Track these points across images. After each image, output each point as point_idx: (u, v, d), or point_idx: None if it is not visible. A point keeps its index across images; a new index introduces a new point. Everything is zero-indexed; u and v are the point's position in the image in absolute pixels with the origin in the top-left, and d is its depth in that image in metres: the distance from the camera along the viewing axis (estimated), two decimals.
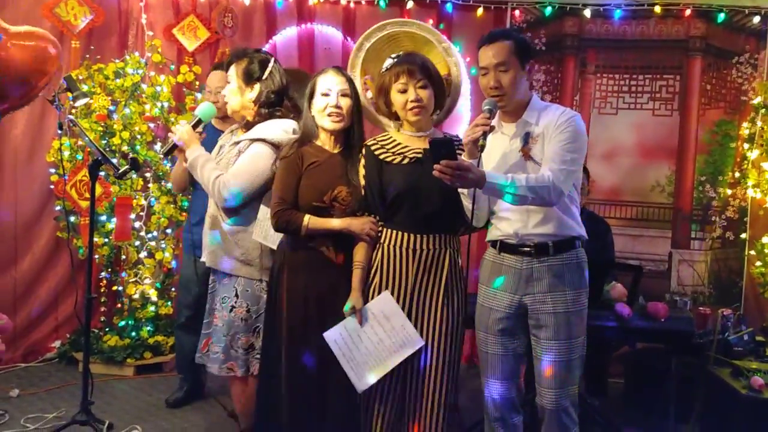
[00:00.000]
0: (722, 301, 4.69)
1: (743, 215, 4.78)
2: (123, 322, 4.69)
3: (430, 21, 4.69)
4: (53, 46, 3.47)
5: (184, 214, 4.62)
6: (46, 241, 4.84)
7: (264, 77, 3.03)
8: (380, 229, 2.81)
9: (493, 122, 2.63)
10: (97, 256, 4.60)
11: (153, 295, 4.68)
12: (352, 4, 5.02)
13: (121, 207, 4.44)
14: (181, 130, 3.05)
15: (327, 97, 2.82)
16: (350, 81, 2.89)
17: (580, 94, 4.97)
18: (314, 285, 2.81)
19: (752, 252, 4.65)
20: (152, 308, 4.71)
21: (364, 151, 2.85)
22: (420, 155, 2.75)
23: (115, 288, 4.74)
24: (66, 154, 4.50)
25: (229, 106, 3.10)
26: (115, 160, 3.97)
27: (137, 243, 4.67)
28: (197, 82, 4.81)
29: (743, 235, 4.76)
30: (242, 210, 2.98)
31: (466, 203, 2.66)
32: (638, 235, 4.91)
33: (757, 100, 4.66)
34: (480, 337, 2.81)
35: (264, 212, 2.96)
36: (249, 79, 3.03)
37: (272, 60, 3.08)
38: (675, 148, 4.87)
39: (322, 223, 2.78)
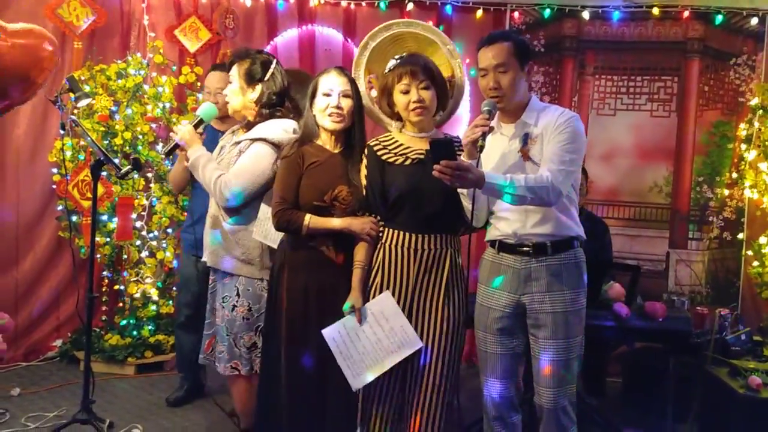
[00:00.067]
0: (719, 301, 4.70)
1: (740, 216, 4.80)
2: (124, 321, 4.70)
3: (430, 22, 4.69)
4: (50, 44, 3.48)
5: (185, 213, 4.63)
6: (48, 240, 4.86)
7: (266, 78, 3.05)
8: (382, 229, 2.83)
9: (493, 123, 2.65)
10: (98, 256, 4.62)
11: (154, 294, 4.70)
12: (352, 6, 5.04)
13: (122, 207, 4.45)
14: (183, 130, 3.07)
15: (328, 98, 2.83)
16: (352, 81, 2.90)
17: (579, 96, 4.99)
18: (314, 284, 2.82)
19: (749, 252, 4.67)
20: (153, 307, 4.73)
21: (366, 151, 2.87)
22: (422, 156, 2.77)
23: (116, 287, 4.75)
24: (68, 154, 4.52)
25: (231, 106, 3.12)
26: (116, 161, 3.98)
27: (138, 242, 4.68)
28: (199, 83, 4.82)
29: (740, 236, 4.77)
30: (243, 209, 3.00)
31: (466, 203, 2.68)
32: (636, 236, 4.93)
33: (754, 101, 4.68)
34: (479, 336, 2.83)
35: (264, 211, 2.98)
36: (251, 79, 3.05)
37: (274, 61, 3.11)
38: (673, 149, 4.89)
39: (322, 223, 2.80)
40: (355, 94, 2.88)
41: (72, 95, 3.66)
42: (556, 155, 2.60)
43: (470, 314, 2.88)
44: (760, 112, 4.61)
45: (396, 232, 2.80)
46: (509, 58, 2.65)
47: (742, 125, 4.75)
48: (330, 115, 2.84)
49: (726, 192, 4.80)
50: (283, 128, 3.01)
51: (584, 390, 3.83)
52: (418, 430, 2.77)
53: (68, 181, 4.50)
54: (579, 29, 4.95)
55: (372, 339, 2.76)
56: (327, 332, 2.77)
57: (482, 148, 2.51)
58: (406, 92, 2.76)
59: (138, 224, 4.65)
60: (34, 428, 3.71)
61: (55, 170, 4.66)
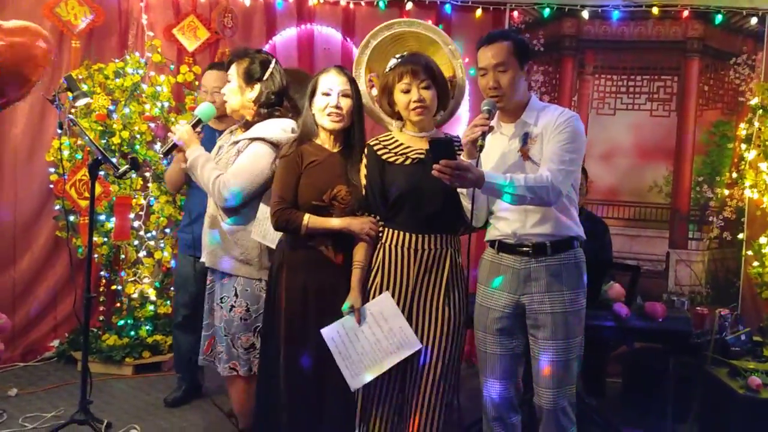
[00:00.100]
0: (719, 301, 4.70)
1: (740, 216, 4.79)
2: (122, 322, 4.69)
3: (429, 21, 4.69)
4: (44, 41, 3.46)
5: (182, 213, 4.62)
6: (46, 240, 4.85)
7: (265, 78, 3.04)
8: (381, 228, 2.82)
9: (492, 123, 2.65)
10: (96, 256, 4.60)
11: (152, 294, 4.69)
12: (351, 5, 5.03)
13: (120, 206, 4.44)
14: (181, 130, 3.05)
15: (328, 97, 2.82)
16: (352, 81, 2.89)
17: (578, 95, 4.98)
18: (313, 284, 2.81)
19: (749, 252, 4.66)
20: (151, 307, 4.72)
21: (366, 150, 2.86)
22: (422, 155, 2.76)
23: (114, 287, 4.74)
24: (65, 153, 4.51)
25: (229, 106, 3.11)
26: (114, 160, 3.97)
27: (136, 242, 4.67)
28: (197, 82, 4.81)
29: (740, 236, 4.77)
30: (242, 209, 2.99)
31: (466, 203, 2.67)
32: (636, 236, 4.93)
33: (754, 101, 4.67)
34: (479, 336, 2.82)
35: (263, 211, 2.97)
36: (249, 79, 3.03)
37: (273, 61, 3.09)
38: (672, 149, 4.88)
39: (321, 223, 2.79)
40: (354, 94, 2.87)
41: (70, 94, 3.65)
42: (556, 155, 2.60)
43: (470, 314, 2.87)
44: (760, 111, 4.61)
45: (396, 232, 2.79)
46: (509, 57, 2.65)
47: (742, 125, 4.74)
48: (329, 115, 2.83)
49: (726, 192, 4.79)
50: (281, 128, 3.00)
51: (584, 390, 3.82)
52: (418, 431, 2.76)
53: (66, 181, 4.49)
54: (578, 28, 4.94)
55: (371, 339, 2.75)
56: (326, 332, 2.77)
57: (482, 147, 2.51)
58: (407, 91, 2.75)
59: (136, 224, 4.64)
60: (32, 429, 3.70)
61: (52, 170, 4.65)
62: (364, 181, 2.83)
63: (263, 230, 2.96)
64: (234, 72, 3.06)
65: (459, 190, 2.65)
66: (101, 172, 4.33)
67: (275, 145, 2.95)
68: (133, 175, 4.49)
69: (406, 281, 2.77)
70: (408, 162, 2.79)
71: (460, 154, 2.61)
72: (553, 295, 2.67)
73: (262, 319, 2.97)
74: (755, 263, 4.57)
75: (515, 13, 4.97)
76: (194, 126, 3.09)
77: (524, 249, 2.70)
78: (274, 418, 2.85)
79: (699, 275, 4.85)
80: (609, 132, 4.94)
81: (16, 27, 3.39)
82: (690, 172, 4.86)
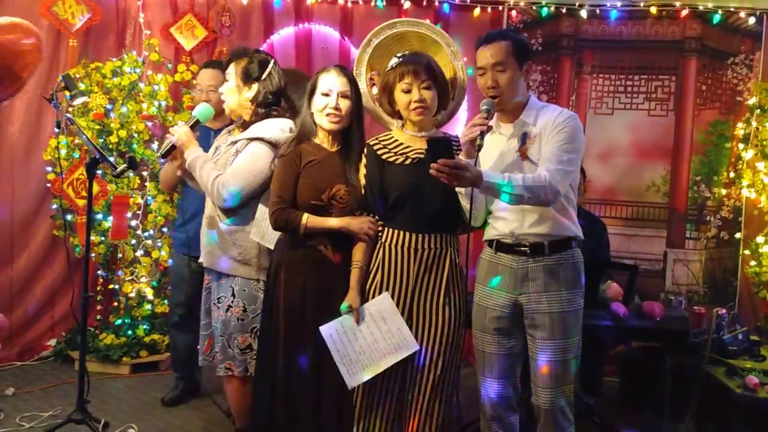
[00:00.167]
0: (717, 301, 4.71)
1: (738, 215, 4.80)
2: (119, 321, 4.68)
3: (427, 21, 4.69)
4: (33, 37, 3.45)
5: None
6: (43, 239, 4.84)
7: (263, 77, 3.03)
8: (381, 228, 2.82)
9: (491, 122, 2.65)
10: (93, 255, 4.59)
11: (149, 293, 4.68)
12: (349, 4, 5.02)
13: (117, 205, 4.43)
14: (179, 131, 3.05)
15: (327, 97, 2.82)
16: (352, 81, 2.88)
17: (576, 95, 4.98)
18: (312, 283, 2.81)
19: (747, 251, 4.67)
20: (148, 307, 4.71)
21: (365, 150, 2.86)
22: (422, 155, 2.75)
23: (111, 286, 4.73)
24: (63, 152, 4.50)
25: (227, 105, 3.11)
26: (112, 159, 3.96)
27: (134, 241, 4.67)
28: (194, 81, 4.80)
29: (738, 235, 4.78)
30: (240, 210, 2.98)
31: (464, 203, 2.67)
32: (633, 235, 4.93)
33: (752, 100, 4.68)
34: (477, 336, 2.82)
35: (262, 212, 2.96)
36: (247, 78, 3.03)
37: (272, 61, 3.09)
38: (670, 149, 4.89)
39: (320, 222, 2.78)
40: (354, 94, 2.86)
41: (67, 93, 3.64)
42: (555, 155, 2.60)
43: (468, 314, 2.87)
44: (758, 111, 4.62)
45: (396, 231, 2.79)
46: (507, 57, 2.65)
47: (740, 124, 4.75)
48: (327, 116, 2.82)
49: (723, 191, 4.80)
50: (279, 127, 3.00)
51: (581, 389, 3.83)
52: (417, 430, 2.76)
53: (63, 180, 4.48)
54: (577, 28, 4.94)
55: (369, 339, 2.75)
56: (324, 329, 2.76)
57: (480, 147, 2.51)
58: (408, 91, 2.75)
59: (133, 223, 4.64)
60: (29, 428, 3.69)
61: (49, 168, 4.65)
62: (363, 181, 2.83)
63: (262, 231, 2.96)
64: (232, 71, 3.05)
65: (457, 189, 2.65)
66: (99, 171, 4.32)
67: (274, 145, 2.95)
68: (131, 174, 4.49)
69: (406, 281, 2.77)
70: (408, 162, 2.78)
71: (458, 154, 2.61)
72: (551, 294, 2.67)
73: (260, 319, 2.96)
74: (752, 263, 4.57)
75: (513, 13, 4.97)
76: (192, 127, 3.08)
77: (522, 249, 2.70)
78: (272, 417, 2.85)
79: (696, 274, 4.86)
80: (607, 131, 4.94)
81: (4, 24, 3.37)
82: (687, 171, 4.87)
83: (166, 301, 4.70)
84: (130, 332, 4.65)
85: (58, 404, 3.96)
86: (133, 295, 4.65)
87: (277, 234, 2.91)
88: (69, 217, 4.59)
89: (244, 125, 3.07)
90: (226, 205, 2.94)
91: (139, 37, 4.89)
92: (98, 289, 4.72)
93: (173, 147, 3.06)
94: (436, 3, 4.97)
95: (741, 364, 3.68)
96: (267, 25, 5.04)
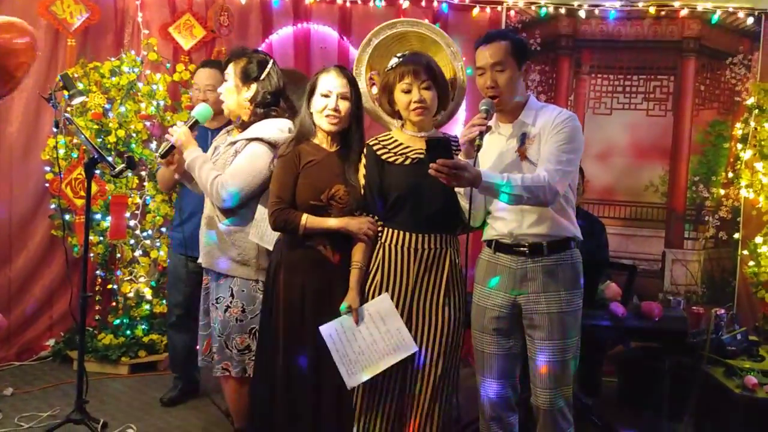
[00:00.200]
0: (715, 301, 4.71)
1: (736, 215, 4.80)
2: (118, 321, 4.68)
3: (426, 21, 4.69)
4: (26, 36, 3.44)
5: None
6: (41, 239, 4.83)
7: (262, 78, 3.03)
8: (381, 228, 2.82)
9: (491, 123, 2.65)
10: (92, 255, 4.59)
11: (148, 293, 4.68)
12: (348, 4, 5.02)
13: (116, 205, 4.42)
14: (178, 132, 3.04)
15: (326, 99, 2.81)
16: (352, 82, 2.87)
17: (575, 95, 4.98)
18: (311, 284, 2.81)
19: (745, 252, 4.67)
20: (147, 307, 4.71)
21: (365, 150, 2.85)
22: (422, 155, 2.74)
23: (109, 286, 4.73)
24: (61, 152, 4.49)
25: (226, 105, 3.11)
26: (110, 159, 3.96)
27: (132, 241, 4.66)
28: (193, 81, 4.80)
29: (736, 235, 4.78)
30: (239, 210, 2.98)
31: (463, 203, 2.67)
32: (632, 235, 4.93)
33: (750, 100, 4.68)
34: (476, 336, 2.82)
35: (261, 212, 2.96)
36: (246, 78, 3.03)
37: (271, 61, 3.09)
38: (669, 149, 4.89)
39: (319, 223, 2.78)
40: (354, 96, 2.86)
41: (66, 93, 3.63)
42: (554, 155, 2.60)
43: (468, 314, 2.87)
44: (756, 111, 4.62)
45: (396, 231, 2.79)
46: (506, 56, 2.65)
47: (738, 125, 4.75)
48: (327, 117, 2.82)
49: (722, 191, 4.80)
50: (278, 128, 2.99)
51: (579, 390, 3.83)
52: (418, 430, 2.76)
53: (61, 179, 4.48)
54: (575, 28, 4.94)
55: (368, 340, 2.75)
56: (324, 329, 2.76)
57: (479, 147, 2.51)
58: (408, 92, 2.75)
59: (132, 223, 4.63)
60: (27, 428, 3.69)
61: (48, 168, 4.65)
62: (363, 181, 2.83)
63: (261, 231, 2.96)
64: (231, 71, 3.05)
65: (456, 189, 2.65)
66: (97, 171, 4.31)
67: (273, 146, 2.94)
68: (129, 174, 4.48)
69: (406, 281, 2.77)
70: (408, 162, 2.78)
71: (457, 154, 2.61)
72: (550, 295, 2.67)
73: (259, 319, 2.96)
74: (751, 263, 4.57)
75: (512, 13, 4.97)
76: (191, 127, 3.08)
77: (521, 249, 2.69)
78: (270, 417, 2.85)
79: (695, 275, 4.86)
80: (605, 131, 4.94)
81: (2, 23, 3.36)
82: (686, 171, 4.87)
83: (164, 301, 4.70)
84: (128, 332, 4.64)
85: (57, 404, 3.95)
86: (131, 295, 4.65)
87: (276, 235, 2.91)
88: (67, 216, 4.59)
89: (243, 125, 3.07)
90: (225, 205, 2.94)
91: (138, 37, 4.89)
92: (97, 289, 4.71)
93: (172, 147, 3.06)
94: (435, 3, 4.97)
95: (739, 364, 3.68)
96: (265, 25, 5.03)
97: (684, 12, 4.77)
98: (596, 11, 4.87)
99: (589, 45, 4.95)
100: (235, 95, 3.05)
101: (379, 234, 2.82)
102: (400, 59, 2.80)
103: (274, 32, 5.02)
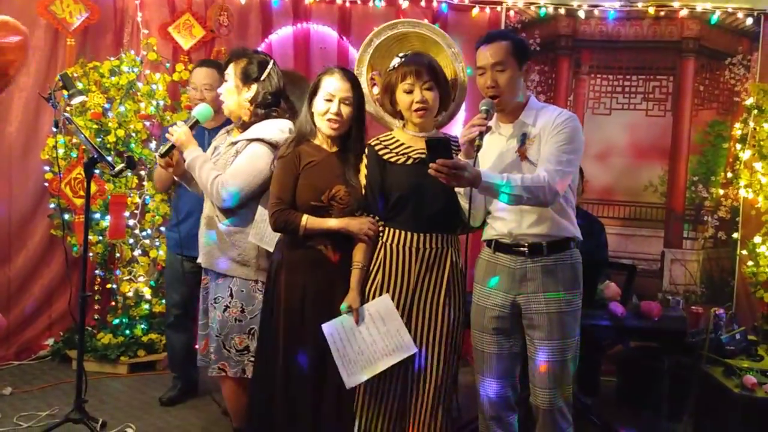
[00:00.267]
0: (714, 301, 4.71)
1: (735, 215, 4.81)
2: (117, 320, 4.68)
3: (425, 21, 4.69)
4: (17, 35, 3.43)
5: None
6: (40, 238, 4.83)
7: (262, 78, 3.02)
8: (382, 228, 2.82)
9: (491, 123, 2.65)
10: (91, 254, 4.59)
11: (147, 293, 4.68)
12: (347, 4, 5.02)
13: (115, 205, 4.42)
14: (179, 131, 3.04)
15: (329, 103, 2.80)
16: (355, 85, 2.85)
17: (574, 95, 4.99)
18: (312, 284, 2.81)
19: (744, 252, 4.67)
20: (146, 306, 4.71)
21: (366, 150, 2.85)
22: (423, 155, 2.74)
23: (109, 286, 4.73)
24: (60, 151, 4.49)
25: (226, 106, 3.10)
26: (109, 158, 3.96)
27: (131, 241, 4.66)
28: (190, 80, 4.80)
29: (735, 235, 4.78)
30: (239, 210, 2.97)
31: (463, 203, 2.67)
32: (631, 235, 4.93)
33: (749, 101, 4.68)
34: (475, 336, 2.82)
35: (261, 213, 2.96)
36: (247, 79, 3.02)
37: (271, 62, 3.08)
38: (668, 149, 4.89)
39: (319, 223, 2.78)
40: (356, 99, 2.84)
41: (65, 92, 3.63)
42: (553, 155, 2.60)
43: (467, 314, 2.87)
44: (755, 111, 4.62)
45: (397, 231, 2.79)
46: (507, 56, 2.65)
47: (737, 125, 4.75)
48: (329, 121, 2.81)
49: (721, 191, 4.81)
50: (279, 128, 2.99)
51: (578, 389, 3.83)
52: (419, 430, 2.76)
53: (61, 179, 4.48)
54: (574, 28, 4.95)
55: (368, 340, 2.75)
56: (326, 327, 2.76)
57: (479, 147, 2.51)
58: (410, 92, 2.75)
59: (131, 222, 4.63)
60: (26, 428, 3.68)
61: (47, 168, 4.64)
62: (364, 181, 2.83)
63: (260, 232, 2.95)
64: (231, 72, 3.04)
65: (456, 189, 2.65)
66: (96, 171, 4.30)
67: (274, 146, 2.94)
68: (129, 174, 4.48)
69: (407, 280, 2.77)
70: (409, 162, 2.78)
71: (457, 154, 2.61)
72: (549, 295, 2.67)
73: (260, 319, 2.96)
74: (750, 262, 4.58)
75: (511, 13, 4.97)
76: (191, 127, 3.07)
77: (520, 249, 2.70)
78: (270, 417, 2.85)
79: (694, 274, 4.86)
80: (604, 132, 4.94)
81: None
82: (685, 171, 4.87)
83: (163, 301, 4.70)
84: (127, 332, 4.64)
85: (56, 404, 3.95)
86: (130, 294, 4.65)
87: (276, 236, 2.90)
88: (67, 216, 4.58)
89: (244, 126, 3.06)
90: (225, 205, 2.94)
91: (137, 37, 4.89)
92: (96, 288, 4.72)
93: (172, 147, 3.05)
94: (434, 3, 4.97)
95: (738, 364, 3.68)
96: (265, 25, 5.03)
97: (683, 12, 4.78)
98: (596, 11, 4.87)
99: (588, 45, 4.95)
100: (236, 96, 3.05)
101: (380, 234, 2.82)
102: (403, 59, 2.80)
103: (273, 32, 5.02)
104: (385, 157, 2.81)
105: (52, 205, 4.70)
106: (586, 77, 4.97)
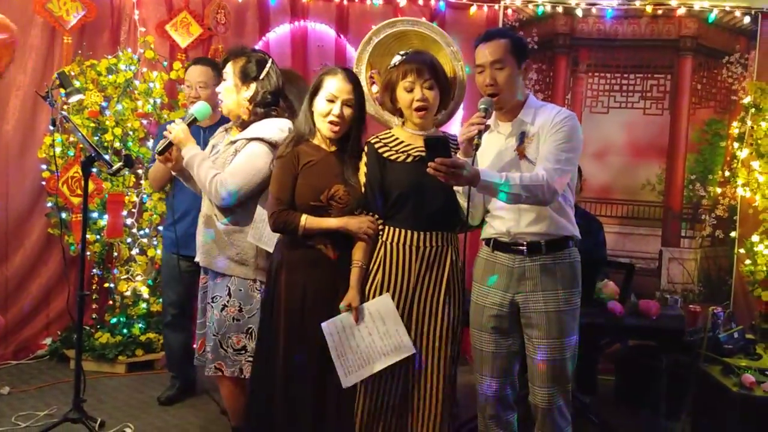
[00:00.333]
0: (712, 299, 4.72)
1: (733, 214, 4.81)
2: (114, 319, 4.67)
3: (423, 19, 4.69)
4: (5, 33, 3.41)
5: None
6: (38, 237, 4.82)
7: (261, 77, 3.01)
8: (382, 226, 2.81)
9: (489, 121, 2.64)
10: (88, 253, 4.58)
11: (145, 292, 4.68)
12: (345, 2, 5.01)
13: (113, 204, 4.42)
14: (177, 129, 3.03)
15: (331, 104, 2.78)
16: (356, 87, 2.84)
17: (572, 93, 4.99)
18: (312, 283, 2.80)
19: (741, 250, 4.68)
20: (144, 305, 4.70)
21: (366, 148, 2.84)
22: (423, 153, 2.73)
23: (106, 285, 4.73)
24: (58, 150, 4.48)
25: (225, 105, 3.09)
26: (107, 157, 3.95)
27: (129, 240, 4.66)
28: (185, 78, 4.79)
29: (733, 234, 4.79)
30: (237, 209, 2.97)
31: (462, 201, 2.67)
32: (629, 233, 4.94)
33: (747, 99, 4.69)
34: (474, 334, 2.82)
35: (260, 214, 2.95)
36: (245, 77, 3.01)
37: (270, 60, 3.07)
38: (665, 147, 4.89)
39: (319, 223, 2.77)
40: (357, 100, 2.83)
41: (62, 91, 3.62)
42: (552, 154, 2.60)
43: (466, 312, 2.87)
44: (753, 110, 4.63)
45: (397, 229, 2.79)
46: (506, 55, 2.65)
47: (735, 123, 4.76)
48: (330, 123, 2.80)
49: (718, 190, 4.82)
50: (278, 127, 2.98)
51: (577, 388, 3.83)
52: (420, 429, 2.76)
53: (58, 178, 4.47)
54: (572, 26, 4.95)
55: (366, 339, 2.75)
56: (326, 326, 2.76)
57: (478, 146, 2.51)
58: (410, 90, 2.74)
59: (128, 221, 4.62)
60: (25, 427, 3.68)
61: (44, 166, 4.64)
62: (363, 180, 2.82)
63: (259, 233, 2.94)
64: (230, 70, 3.03)
65: (455, 188, 2.65)
66: (94, 169, 4.30)
67: (273, 145, 2.93)
68: (126, 172, 4.47)
69: (407, 279, 2.77)
70: (409, 160, 2.78)
71: (456, 153, 2.61)
72: (548, 293, 2.67)
73: (260, 319, 2.95)
74: (747, 261, 4.59)
75: (509, 11, 4.97)
76: (190, 124, 3.07)
77: (519, 247, 2.69)
78: (270, 417, 2.84)
79: (691, 273, 4.87)
80: (602, 130, 4.94)
81: None
82: (683, 170, 4.88)
83: (161, 300, 4.69)
84: (125, 331, 4.64)
85: (54, 403, 3.95)
86: (128, 293, 4.64)
87: (274, 237, 2.90)
88: (64, 215, 4.58)
89: (243, 125, 3.05)
90: (224, 203, 2.93)
91: (134, 35, 4.88)
92: (94, 287, 4.71)
93: (170, 144, 3.04)
94: (432, 1, 4.97)
95: (736, 363, 3.69)
96: (262, 23, 5.03)
97: (681, 11, 4.78)
98: (593, 10, 4.87)
99: (586, 43, 4.95)
100: (235, 94, 3.04)
101: (380, 232, 2.81)
102: (404, 57, 2.80)
103: (271, 30, 5.02)
104: (385, 155, 2.80)
105: (49, 204, 4.69)
106: (584, 76, 4.97)
